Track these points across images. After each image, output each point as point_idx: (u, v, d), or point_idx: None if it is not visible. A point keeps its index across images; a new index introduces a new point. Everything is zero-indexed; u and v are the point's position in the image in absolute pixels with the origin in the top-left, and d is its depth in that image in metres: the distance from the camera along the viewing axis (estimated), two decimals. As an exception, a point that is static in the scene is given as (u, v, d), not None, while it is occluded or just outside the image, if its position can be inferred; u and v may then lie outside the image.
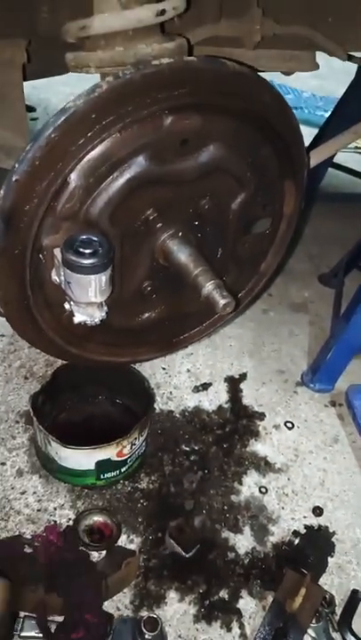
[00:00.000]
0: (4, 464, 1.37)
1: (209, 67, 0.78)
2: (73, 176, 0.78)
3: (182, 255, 0.88)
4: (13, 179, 0.73)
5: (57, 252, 0.80)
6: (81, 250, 0.76)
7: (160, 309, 1.01)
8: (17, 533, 1.23)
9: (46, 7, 1.04)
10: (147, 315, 1.00)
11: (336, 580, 1.23)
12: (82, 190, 0.79)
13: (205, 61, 0.78)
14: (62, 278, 0.80)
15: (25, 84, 1.19)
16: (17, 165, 0.73)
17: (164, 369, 1.71)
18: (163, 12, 0.82)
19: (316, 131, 2.34)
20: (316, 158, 1.13)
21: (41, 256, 0.82)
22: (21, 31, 1.11)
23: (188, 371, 1.72)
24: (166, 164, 0.83)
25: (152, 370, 1.69)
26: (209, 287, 0.83)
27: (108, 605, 1.13)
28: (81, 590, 1.08)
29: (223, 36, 1.07)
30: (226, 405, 1.63)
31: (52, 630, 1.03)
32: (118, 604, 1.15)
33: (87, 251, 0.77)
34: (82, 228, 0.82)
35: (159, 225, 0.87)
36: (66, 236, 0.79)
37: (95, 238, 0.78)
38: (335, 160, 2.27)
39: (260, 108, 0.86)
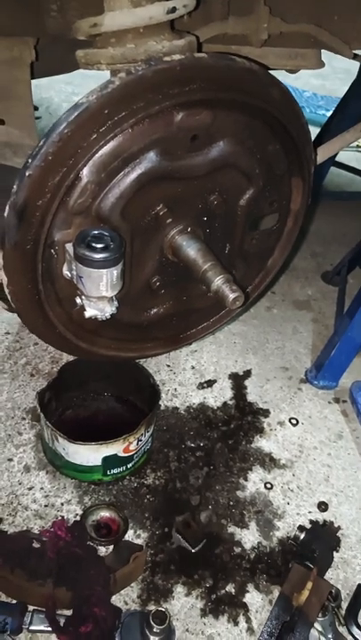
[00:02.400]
0: (11, 460, 1.38)
1: (219, 63, 0.79)
2: (85, 171, 0.78)
3: (191, 250, 0.89)
4: (26, 173, 0.74)
5: (69, 246, 0.80)
6: (93, 244, 0.77)
7: (168, 305, 1.01)
8: (25, 528, 1.23)
9: (55, 6, 1.05)
10: (155, 310, 1.01)
11: (342, 575, 1.24)
12: (94, 185, 0.80)
13: (216, 58, 0.79)
14: (74, 273, 0.81)
15: (28, 82, 1.20)
16: (30, 160, 0.74)
17: (168, 366, 1.72)
18: (173, 10, 0.83)
19: (318, 130, 2.35)
20: (322, 155, 1.14)
21: (53, 251, 0.83)
22: (30, 30, 1.12)
23: (193, 368, 1.73)
24: (177, 159, 0.83)
25: (157, 367, 1.70)
26: (218, 282, 0.84)
27: (115, 600, 1.13)
28: (89, 584, 1.08)
29: (231, 33, 1.08)
30: (231, 402, 1.63)
31: (61, 624, 1.04)
32: (126, 599, 1.15)
33: (99, 245, 0.77)
34: (93, 222, 0.83)
35: (169, 220, 0.88)
36: (77, 230, 0.80)
37: (107, 233, 0.78)
38: (337, 159, 2.28)
39: (269, 105, 0.87)
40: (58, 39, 1.11)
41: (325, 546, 1.26)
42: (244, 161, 0.89)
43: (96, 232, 0.78)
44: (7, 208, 0.77)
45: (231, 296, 0.83)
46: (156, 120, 0.79)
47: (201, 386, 1.67)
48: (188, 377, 1.70)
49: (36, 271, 0.83)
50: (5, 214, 0.77)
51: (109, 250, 0.78)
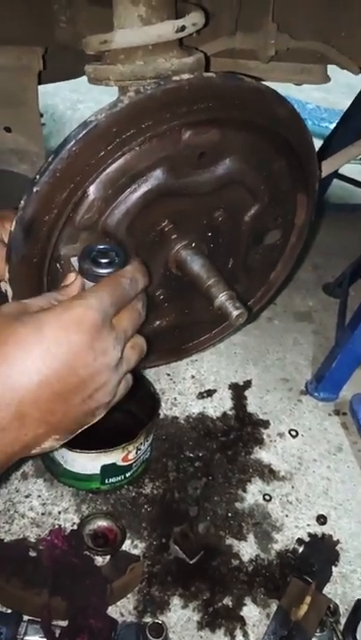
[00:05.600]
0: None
1: (228, 83, 0.80)
2: (92, 188, 0.79)
3: (195, 265, 0.89)
4: (34, 190, 0.74)
5: (74, 260, 0.80)
6: (98, 259, 0.77)
7: (171, 317, 1.02)
8: (21, 537, 1.24)
9: (65, 17, 1.06)
10: (158, 323, 1.01)
11: (340, 590, 1.24)
12: (100, 202, 0.80)
13: (224, 78, 0.79)
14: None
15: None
16: (38, 177, 0.74)
17: (168, 375, 1.72)
18: (183, 29, 0.84)
19: (321, 142, 2.36)
20: (326, 169, 1.14)
21: (58, 265, 0.83)
22: (40, 40, 1.13)
23: (193, 377, 1.74)
24: (183, 176, 0.84)
25: (157, 376, 1.70)
26: (222, 298, 0.84)
27: (111, 611, 1.14)
28: (85, 595, 1.08)
29: (238, 49, 1.09)
30: (230, 412, 1.64)
31: (57, 635, 1.04)
32: (122, 610, 1.16)
33: (104, 260, 0.77)
34: (99, 237, 0.83)
35: (174, 236, 0.88)
36: (83, 245, 0.80)
37: (112, 248, 0.79)
38: (340, 171, 2.29)
39: (277, 123, 0.88)
40: (65, 48, 1.12)
41: (324, 560, 1.27)
42: (250, 178, 0.90)
43: (101, 247, 0.78)
44: (14, 223, 0.77)
45: (234, 313, 0.83)
46: (163, 138, 0.79)
47: (201, 395, 1.68)
48: (188, 386, 1.70)
49: (41, 284, 0.83)
50: (12, 228, 0.77)
51: (114, 264, 0.78)
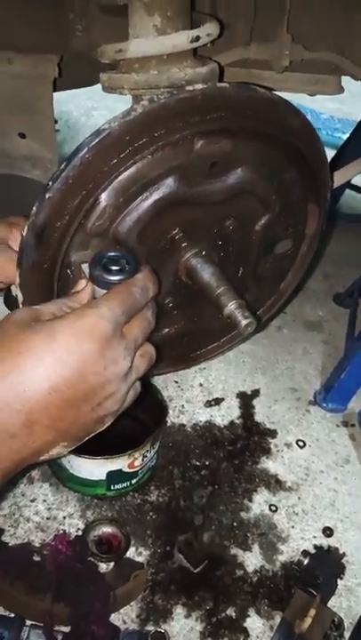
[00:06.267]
0: (16, 471, 1.38)
1: (241, 94, 0.80)
2: (104, 195, 0.79)
3: (205, 274, 0.89)
4: (46, 196, 0.75)
5: (85, 267, 0.81)
6: (109, 266, 0.78)
7: (180, 325, 1.02)
8: (26, 541, 1.24)
9: (80, 27, 1.07)
10: (167, 330, 1.01)
11: (345, 603, 1.23)
12: (112, 209, 0.81)
13: (237, 88, 0.80)
14: (89, 293, 0.81)
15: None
16: (50, 183, 0.75)
17: (176, 382, 1.72)
18: (197, 39, 0.84)
19: (334, 152, 2.36)
20: (338, 180, 1.14)
21: (69, 271, 0.84)
22: (55, 48, 1.14)
23: (201, 385, 1.73)
24: (195, 185, 0.84)
25: (165, 383, 1.70)
26: (231, 307, 0.84)
27: (114, 618, 1.13)
28: (89, 601, 1.08)
29: (253, 59, 1.10)
30: (238, 421, 1.63)
31: (59, 640, 1.04)
32: (125, 617, 1.15)
33: (115, 267, 0.78)
34: (110, 244, 0.84)
35: (184, 244, 0.88)
36: (94, 252, 0.80)
37: (123, 255, 0.79)
38: (353, 182, 2.29)
39: (289, 134, 0.88)
40: (81, 56, 1.13)
41: (329, 572, 1.26)
42: (262, 188, 0.90)
43: (112, 254, 0.78)
44: (26, 228, 0.78)
45: (243, 322, 0.83)
46: (176, 147, 0.80)
47: (208, 404, 1.67)
48: (196, 394, 1.70)
49: (52, 290, 0.83)
50: (24, 234, 0.78)
51: (124, 272, 0.78)
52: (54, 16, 1.08)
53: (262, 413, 1.67)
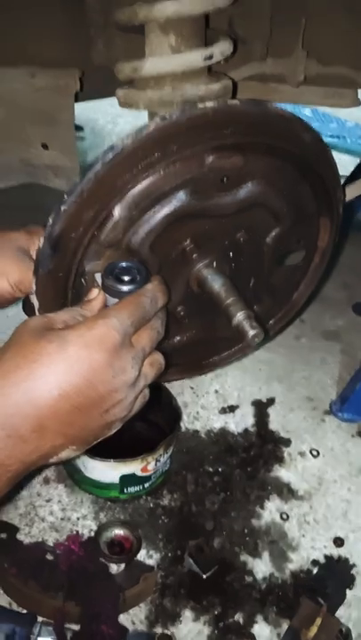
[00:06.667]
0: (32, 471, 1.42)
1: (252, 110, 0.82)
2: (117, 208, 0.82)
3: (216, 284, 0.91)
4: (62, 208, 0.78)
5: (98, 276, 0.84)
6: (121, 276, 0.81)
7: (191, 333, 1.04)
8: (40, 540, 1.27)
9: (101, 42, 1.11)
10: (179, 338, 1.04)
11: (354, 614, 1.23)
12: (125, 221, 0.83)
13: (248, 105, 0.82)
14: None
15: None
16: (66, 196, 0.78)
17: (192, 388, 1.74)
18: (210, 57, 0.87)
19: (357, 160, 2.36)
20: (351, 194, 1.15)
21: (83, 280, 0.87)
22: (77, 62, 1.18)
23: (216, 392, 1.75)
24: (206, 199, 0.86)
25: (180, 388, 1.72)
26: (239, 317, 0.86)
27: (123, 618, 1.16)
28: (99, 601, 1.11)
29: (269, 73, 1.12)
30: (252, 429, 1.64)
31: (68, 638, 1.07)
32: (133, 618, 1.17)
33: (126, 277, 0.81)
34: (123, 255, 0.87)
35: (195, 255, 0.91)
36: (107, 262, 0.83)
37: (135, 266, 0.82)
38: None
39: (300, 148, 0.90)
40: (102, 70, 1.17)
41: (338, 582, 1.26)
42: (273, 201, 0.92)
43: (124, 264, 0.81)
44: (42, 239, 0.81)
45: (251, 332, 0.85)
46: (187, 162, 0.82)
47: (223, 410, 1.69)
48: (211, 400, 1.72)
49: (66, 298, 0.87)
50: (40, 244, 0.82)
51: (136, 282, 0.81)
52: (76, 31, 1.12)
53: (277, 422, 1.68)
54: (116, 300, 0.81)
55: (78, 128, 2.83)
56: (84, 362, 0.68)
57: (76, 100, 1.29)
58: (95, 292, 0.81)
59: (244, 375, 1.82)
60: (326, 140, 1.23)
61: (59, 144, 1.33)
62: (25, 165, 1.38)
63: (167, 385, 1.57)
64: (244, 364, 1.85)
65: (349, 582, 1.27)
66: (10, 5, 1.11)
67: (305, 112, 3.93)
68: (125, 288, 0.80)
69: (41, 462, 0.71)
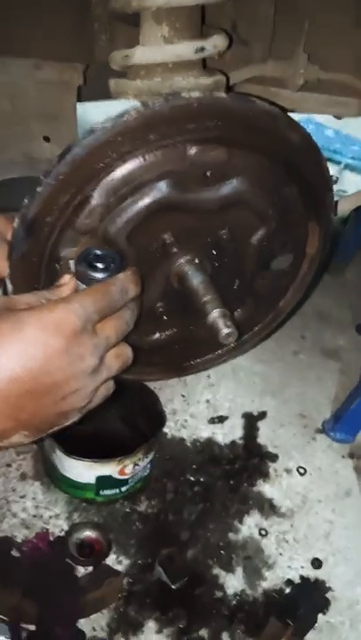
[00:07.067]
0: (9, 465, 1.40)
1: (238, 104, 0.80)
2: (95, 194, 0.81)
3: (195, 280, 0.89)
4: (38, 190, 0.77)
5: (72, 263, 0.83)
6: (93, 263, 0.79)
7: (171, 332, 1.02)
8: (9, 536, 1.25)
9: (104, 37, 1.11)
10: (157, 335, 1.01)
11: None
12: (102, 208, 0.82)
13: (235, 99, 0.80)
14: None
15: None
16: (42, 178, 0.77)
17: (183, 396, 1.71)
18: (202, 50, 0.86)
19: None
20: (344, 205, 1.13)
21: (57, 266, 0.85)
22: (81, 56, 1.18)
23: (208, 401, 1.72)
24: (187, 192, 0.84)
25: (171, 395, 1.70)
26: (214, 314, 0.84)
27: (83, 623, 1.12)
28: (58, 602, 1.08)
29: (269, 76, 1.10)
30: (240, 441, 1.61)
31: (22, 637, 1.03)
32: (94, 624, 1.14)
33: (99, 265, 0.79)
34: (99, 243, 0.85)
35: (175, 250, 0.89)
36: (83, 249, 0.82)
37: (109, 254, 0.80)
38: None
39: (288, 148, 0.88)
40: (106, 67, 1.17)
41: (311, 605, 1.21)
42: (257, 201, 0.90)
43: (99, 252, 0.79)
44: (17, 220, 0.80)
45: (224, 331, 0.82)
46: (169, 152, 0.81)
47: (212, 420, 1.66)
48: (201, 410, 1.69)
49: (39, 283, 0.85)
50: (15, 225, 0.80)
51: (109, 270, 0.79)
52: (80, 26, 1.12)
53: (266, 436, 1.64)
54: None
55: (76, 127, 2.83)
56: (39, 345, 0.66)
57: (80, 96, 1.29)
58: (66, 278, 0.79)
59: (237, 386, 1.79)
60: (347, 161, 1.21)
61: (60, 138, 1.33)
62: (26, 158, 1.38)
63: (157, 391, 1.54)
64: (239, 375, 1.82)
65: (323, 606, 1.22)
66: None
67: (328, 133, 3.92)
68: (97, 275, 0.78)
69: None
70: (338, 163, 1.26)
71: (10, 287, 0.86)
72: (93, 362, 0.71)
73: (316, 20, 1.01)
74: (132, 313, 0.79)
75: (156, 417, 1.42)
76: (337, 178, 1.25)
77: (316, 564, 1.32)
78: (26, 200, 0.79)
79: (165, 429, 1.55)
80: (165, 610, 1.18)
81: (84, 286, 0.80)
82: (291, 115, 0.87)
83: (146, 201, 0.83)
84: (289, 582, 1.26)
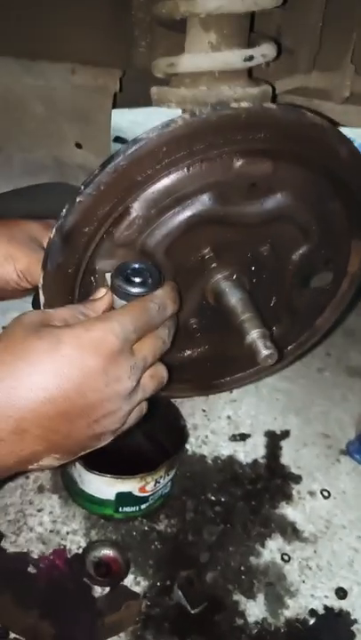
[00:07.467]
0: (27, 477, 1.37)
1: (287, 116, 0.77)
2: (135, 205, 0.78)
3: (233, 298, 0.85)
4: (77, 199, 0.75)
5: (108, 276, 0.80)
6: (131, 278, 0.76)
7: (204, 349, 0.98)
8: (25, 550, 1.21)
9: (145, 42, 1.08)
10: (189, 352, 0.98)
11: None
12: (142, 220, 0.79)
13: (284, 110, 0.77)
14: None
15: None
16: (82, 187, 0.74)
17: (204, 411, 1.67)
18: (251, 58, 0.83)
19: None
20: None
21: (93, 278, 0.82)
22: (118, 62, 1.16)
23: (229, 417, 1.68)
24: (231, 205, 0.81)
25: (192, 410, 1.66)
26: (253, 335, 0.80)
27: (100, 646, 1.08)
28: (74, 625, 1.04)
29: (313, 87, 1.07)
30: (262, 460, 1.56)
31: (38, 660, 1.00)
32: (111, 648, 1.09)
33: (137, 279, 0.76)
34: (137, 256, 0.82)
35: (214, 265, 0.85)
36: (120, 262, 0.79)
37: (147, 268, 0.77)
38: None
39: (335, 163, 0.84)
40: (143, 73, 1.14)
41: (335, 638, 1.16)
42: (302, 216, 0.86)
43: (136, 265, 0.76)
44: (54, 230, 0.77)
45: (264, 352, 0.79)
46: (214, 164, 0.78)
47: (234, 438, 1.61)
48: (223, 426, 1.65)
49: (73, 295, 0.82)
50: (51, 235, 0.78)
51: (146, 285, 0.76)
52: (121, 31, 1.10)
53: (289, 456, 1.59)
54: (124, 302, 0.77)
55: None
56: (75, 366, 0.63)
57: (115, 103, 1.27)
58: (102, 292, 0.76)
59: (259, 403, 1.75)
60: None
61: (93, 145, 1.31)
62: (57, 163, 1.36)
63: (178, 405, 1.50)
64: (261, 391, 1.77)
65: (348, 639, 1.17)
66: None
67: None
68: (134, 290, 0.75)
69: (19, 467, 0.65)
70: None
71: (42, 298, 0.83)
72: (130, 384, 0.69)
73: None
74: (169, 331, 0.76)
75: (179, 433, 1.39)
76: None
77: (341, 593, 1.26)
78: (64, 209, 0.76)
79: (186, 445, 1.51)
80: (184, 636, 1.14)
81: (121, 301, 0.77)
82: (340, 129, 0.83)
83: (187, 214, 0.80)
84: (312, 612, 1.20)
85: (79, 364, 0.63)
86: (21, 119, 1.25)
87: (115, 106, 1.26)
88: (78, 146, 1.30)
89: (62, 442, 0.66)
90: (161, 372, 0.76)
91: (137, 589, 1.19)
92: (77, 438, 0.67)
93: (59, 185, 1.37)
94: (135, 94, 1.26)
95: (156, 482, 1.28)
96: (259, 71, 1.02)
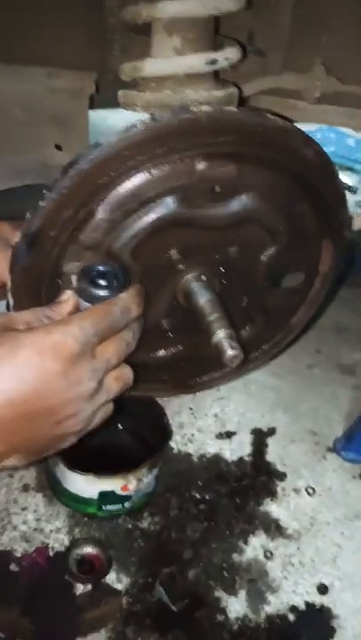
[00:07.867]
0: (12, 476, 1.39)
1: (249, 119, 0.78)
2: (100, 208, 0.79)
3: (201, 298, 0.87)
4: (41, 204, 0.76)
5: (74, 278, 0.81)
6: (96, 280, 0.77)
7: (177, 349, 0.99)
8: (8, 549, 1.23)
9: (118, 46, 1.09)
10: (163, 352, 0.99)
11: (326, 671, 1.14)
12: (107, 223, 0.80)
13: (246, 113, 0.78)
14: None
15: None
16: (45, 192, 0.75)
17: (191, 409, 1.68)
18: (214, 62, 0.84)
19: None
20: (359, 223, 1.10)
21: (59, 280, 0.83)
22: (93, 65, 1.17)
23: (216, 415, 1.68)
24: (195, 208, 0.82)
25: (179, 408, 1.67)
26: (219, 335, 0.81)
27: (80, 643, 1.10)
28: (55, 621, 1.05)
29: (285, 88, 1.08)
30: (248, 458, 1.57)
31: (18, 656, 1.02)
32: (91, 644, 1.11)
33: (102, 282, 0.77)
34: (104, 258, 0.83)
35: (181, 266, 0.86)
36: (86, 264, 0.80)
37: (112, 270, 0.78)
38: None
39: (301, 165, 0.85)
40: (118, 76, 1.15)
41: (315, 634, 1.17)
42: (269, 217, 0.87)
43: (102, 268, 0.77)
44: (20, 234, 0.78)
45: (229, 352, 0.80)
46: (177, 167, 0.78)
47: (220, 435, 1.62)
48: (209, 424, 1.65)
49: (40, 297, 0.83)
50: (17, 239, 0.79)
51: (112, 287, 0.77)
52: (93, 34, 1.10)
53: (275, 453, 1.60)
54: (89, 304, 0.78)
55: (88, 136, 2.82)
56: (33, 369, 0.64)
57: (93, 104, 1.28)
58: (67, 295, 0.77)
59: (248, 400, 1.75)
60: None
61: (72, 146, 1.32)
62: (38, 166, 1.37)
63: (165, 402, 1.51)
64: (250, 388, 1.78)
65: (328, 635, 1.18)
66: (34, 3, 1.11)
67: (349, 142, 3.86)
68: (99, 292, 0.76)
69: None
70: (359, 172, 1.23)
71: (11, 301, 0.84)
72: (91, 386, 0.70)
73: (334, 31, 0.98)
74: (133, 334, 0.77)
75: (162, 430, 1.40)
76: (357, 188, 1.22)
77: (323, 589, 1.27)
78: (28, 214, 0.77)
79: (172, 443, 1.52)
80: (164, 632, 1.15)
81: (85, 303, 0.78)
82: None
83: (151, 216, 0.81)
84: (293, 608, 1.22)
85: (38, 368, 0.64)
86: (1, 123, 1.26)
87: (92, 107, 1.27)
88: (58, 148, 1.31)
89: (24, 443, 0.67)
90: (126, 373, 0.77)
91: (119, 586, 1.21)
92: (40, 439, 0.68)
93: (41, 186, 1.38)
94: (114, 96, 1.27)
95: (139, 480, 1.29)
96: (231, 73, 1.02)
